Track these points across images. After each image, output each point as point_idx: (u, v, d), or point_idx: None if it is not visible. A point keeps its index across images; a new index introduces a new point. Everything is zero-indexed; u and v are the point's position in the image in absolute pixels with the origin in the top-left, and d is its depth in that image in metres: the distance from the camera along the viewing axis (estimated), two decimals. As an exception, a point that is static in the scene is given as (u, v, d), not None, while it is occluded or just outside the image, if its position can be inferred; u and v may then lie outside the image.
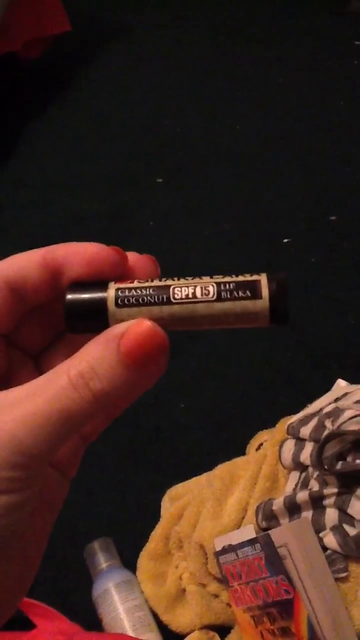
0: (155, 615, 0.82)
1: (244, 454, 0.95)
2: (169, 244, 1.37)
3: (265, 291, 0.28)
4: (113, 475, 1.01)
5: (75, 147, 1.69)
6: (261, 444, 0.92)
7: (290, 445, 0.82)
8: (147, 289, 0.28)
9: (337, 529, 0.73)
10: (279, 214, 1.45)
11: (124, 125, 1.73)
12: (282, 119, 1.75)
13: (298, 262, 1.33)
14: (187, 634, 0.80)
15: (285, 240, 1.37)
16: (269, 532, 0.73)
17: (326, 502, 0.75)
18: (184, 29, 2.17)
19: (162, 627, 0.82)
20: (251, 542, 0.75)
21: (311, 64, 1.99)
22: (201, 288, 0.28)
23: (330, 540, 0.73)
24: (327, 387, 0.91)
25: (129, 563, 0.88)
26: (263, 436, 0.94)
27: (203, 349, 1.18)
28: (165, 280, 0.28)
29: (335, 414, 0.78)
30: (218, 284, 0.28)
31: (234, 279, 0.28)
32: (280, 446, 0.83)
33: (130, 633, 0.79)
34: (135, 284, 0.28)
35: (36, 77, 1.93)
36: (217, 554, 0.79)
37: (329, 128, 1.71)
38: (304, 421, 0.82)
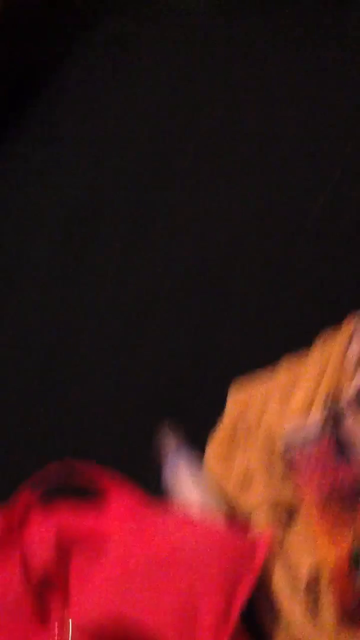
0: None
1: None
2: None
3: None
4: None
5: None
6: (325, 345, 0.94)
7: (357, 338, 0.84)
8: None
9: None
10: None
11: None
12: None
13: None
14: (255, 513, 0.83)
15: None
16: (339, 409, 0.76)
17: None
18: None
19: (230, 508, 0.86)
20: (320, 428, 0.78)
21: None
22: None
23: None
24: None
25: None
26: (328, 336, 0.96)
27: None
28: None
29: None
30: None
31: None
32: (349, 341, 0.85)
33: (198, 510, 0.84)
34: None
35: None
36: (285, 441, 0.82)
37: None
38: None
